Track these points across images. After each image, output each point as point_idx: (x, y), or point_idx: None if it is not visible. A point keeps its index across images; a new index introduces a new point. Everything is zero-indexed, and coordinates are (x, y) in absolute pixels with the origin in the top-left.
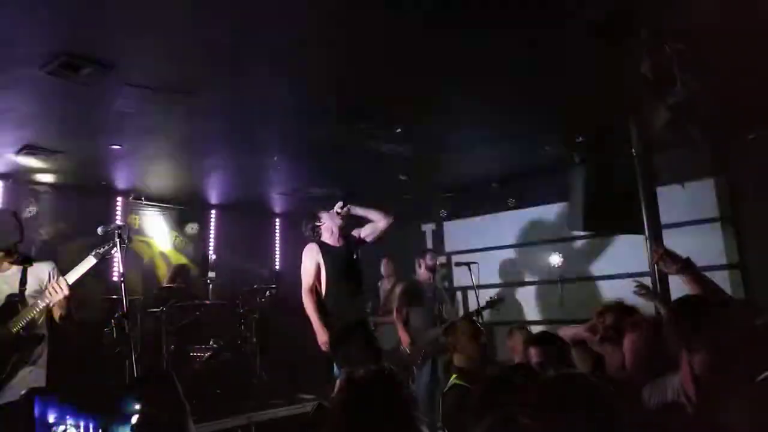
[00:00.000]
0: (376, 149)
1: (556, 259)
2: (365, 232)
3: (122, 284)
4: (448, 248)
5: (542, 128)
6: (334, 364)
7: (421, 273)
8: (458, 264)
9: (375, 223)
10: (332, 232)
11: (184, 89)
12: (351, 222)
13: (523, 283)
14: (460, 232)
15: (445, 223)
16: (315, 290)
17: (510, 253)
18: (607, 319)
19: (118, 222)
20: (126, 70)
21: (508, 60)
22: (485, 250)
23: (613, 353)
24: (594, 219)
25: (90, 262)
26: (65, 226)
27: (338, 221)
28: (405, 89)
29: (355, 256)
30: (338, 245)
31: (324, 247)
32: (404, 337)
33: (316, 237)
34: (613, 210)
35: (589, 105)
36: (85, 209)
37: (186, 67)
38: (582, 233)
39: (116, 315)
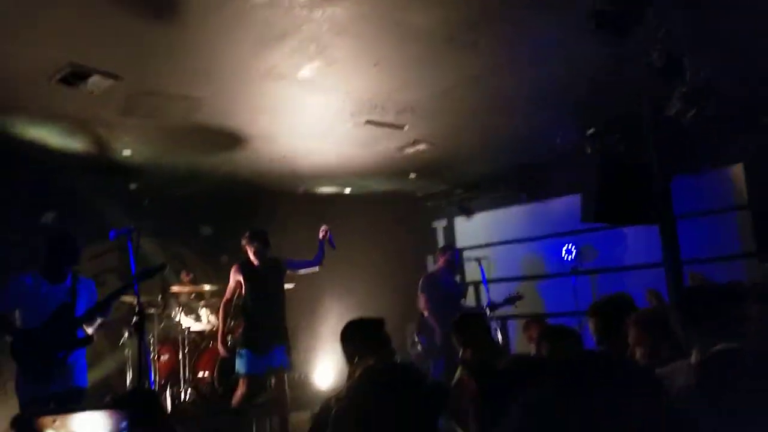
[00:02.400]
0: None
1: (569, 252)
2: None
3: (135, 286)
4: (459, 244)
5: (552, 120)
6: (237, 362)
7: (438, 267)
8: (468, 259)
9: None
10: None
11: None
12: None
13: (535, 277)
14: (471, 228)
15: (456, 219)
16: (229, 304)
17: (522, 247)
18: (602, 316)
19: (130, 226)
20: None
21: (512, 51)
22: (497, 245)
23: (616, 348)
24: (607, 210)
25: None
26: None
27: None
28: None
29: (273, 275)
30: (258, 266)
31: (246, 267)
32: (436, 327)
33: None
34: (627, 201)
35: (599, 95)
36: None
37: None
38: (595, 225)
39: (133, 318)
